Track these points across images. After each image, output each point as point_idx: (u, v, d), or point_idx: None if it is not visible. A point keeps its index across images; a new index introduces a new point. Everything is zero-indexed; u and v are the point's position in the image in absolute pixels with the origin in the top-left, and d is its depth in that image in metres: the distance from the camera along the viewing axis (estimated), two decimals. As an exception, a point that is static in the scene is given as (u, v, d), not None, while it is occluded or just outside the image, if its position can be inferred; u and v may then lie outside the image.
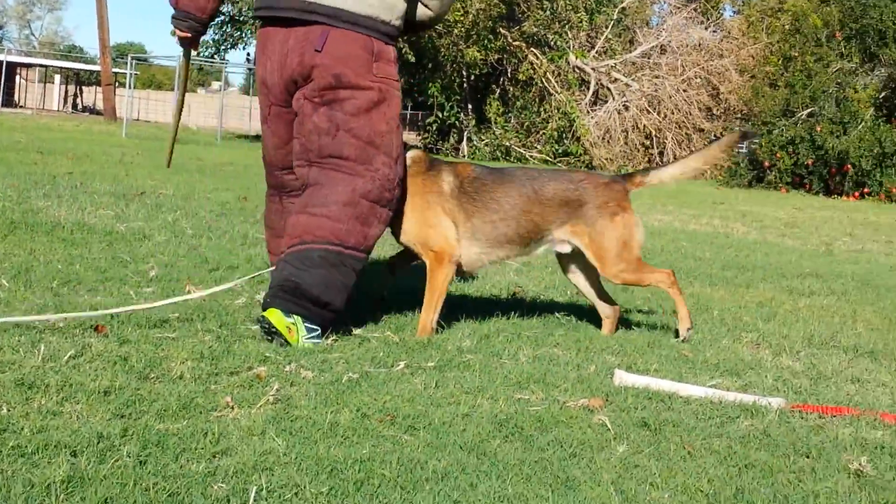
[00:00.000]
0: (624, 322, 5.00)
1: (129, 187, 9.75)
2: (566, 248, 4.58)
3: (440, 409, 3.22)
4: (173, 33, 4.54)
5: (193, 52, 4.81)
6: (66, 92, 58.29)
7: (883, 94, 23.60)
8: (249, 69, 39.07)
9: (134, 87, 34.64)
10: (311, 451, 2.74)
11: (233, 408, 3.04)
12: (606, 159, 28.29)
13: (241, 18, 30.24)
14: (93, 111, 51.73)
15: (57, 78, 58.87)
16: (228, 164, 16.12)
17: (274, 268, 4.25)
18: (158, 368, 3.39)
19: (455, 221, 4.38)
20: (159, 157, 16.00)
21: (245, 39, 31.80)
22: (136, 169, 12.64)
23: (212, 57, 31.78)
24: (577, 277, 4.79)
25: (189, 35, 4.53)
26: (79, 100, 57.78)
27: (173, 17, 4.47)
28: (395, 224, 4.40)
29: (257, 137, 31.13)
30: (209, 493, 2.41)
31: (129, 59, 29.35)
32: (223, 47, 31.94)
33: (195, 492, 2.41)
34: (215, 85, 66.69)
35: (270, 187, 4.66)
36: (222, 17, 31.17)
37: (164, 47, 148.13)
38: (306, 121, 4.20)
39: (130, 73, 29.55)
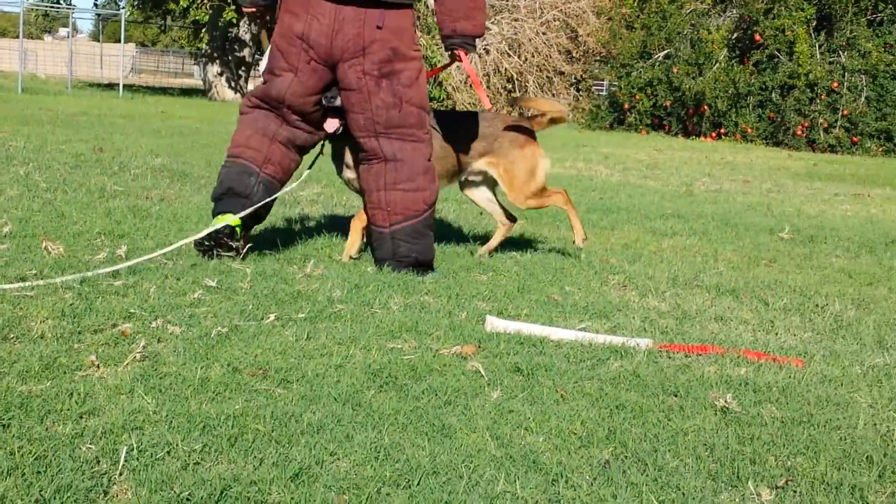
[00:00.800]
0: (493, 268, 5.01)
1: (-22, 140, 9.37)
2: (479, 178, 5.30)
3: (313, 360, 3.19)
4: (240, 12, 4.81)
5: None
6: None
7: (735, 35, 24.11)
8: (98, 15, 37.83)
9: (-22, 35, 33.28)
10: (182, 408, 2.68)
11: (98, 366, 2.94)
12: (469, 104, 28.36)
13: (90, -38, 29.22)
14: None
15: None
16: (81, 114, 15.63)
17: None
18: (18, 328, 3.26)
19: None
20: (6, 108, 15.43)
21: (92, -16, 30.80)
22: (-15, 120, 12.15)
23: (57, 2, 30.66)
24: (480, 195, 5.43)
25: (254, 10, 4.87)
26: (-82, 48, 55.21)
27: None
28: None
29: (109, 86, 30.29)
30: (78, 455, 2.33)
31: (-28, 4, 28.09)
32: (69, -8, 30.86)
33: (63, 454, 2.33)
34: (62, 31, 64.47)
35: (268, 110, 4.84)
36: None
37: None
38: (372, 98, 4.63)
39: (-27, 20, 28.32)
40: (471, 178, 5.33)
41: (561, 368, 3.31)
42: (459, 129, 5.15)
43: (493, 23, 29.95)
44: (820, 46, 22.59)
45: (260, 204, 4.74)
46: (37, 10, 32.48)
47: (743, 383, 3.29)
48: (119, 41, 32.01)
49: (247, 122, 4.84)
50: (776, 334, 4.09)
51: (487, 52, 29.27)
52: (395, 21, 4.62)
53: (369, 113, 4.66)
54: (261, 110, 4.83)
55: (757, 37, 23.08)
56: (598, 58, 30.97)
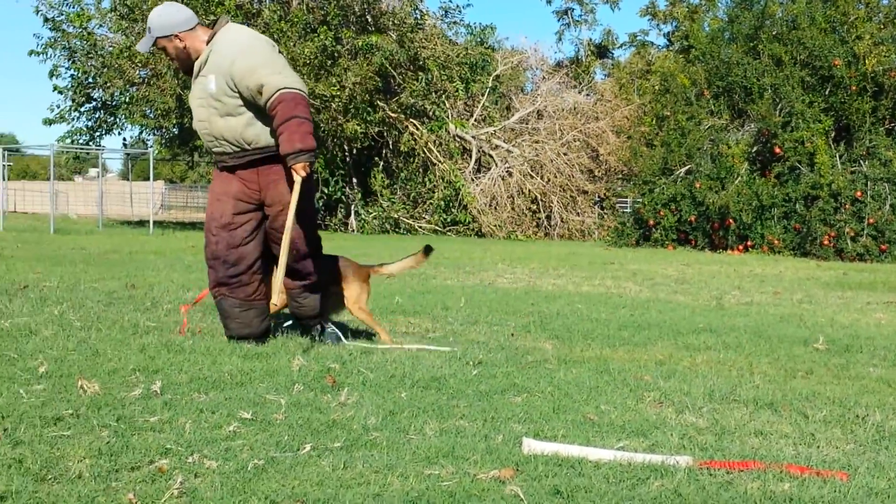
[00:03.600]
0: (527, 389, 4.99)
1: (11, 282, 9.49)
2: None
3: (350, 490, 3.16)
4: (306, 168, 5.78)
5: None
6: None
7: (755, 148, 24.31)
8: (127, 154, 38.56)
9: (7, 179, 33.94)
10: (222, 545, 2.66)
11: (136, 505, 2.93)
12: (495, 226, 28.56)
13: (114, 104, 29.86)
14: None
15: None
16: (113, 251, 15.82)
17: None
18: (56, 469, 3.26)
19: None
20: (39, 249, 15.65)
21: (119, 125, 31.41)
22: (17, 262, 12.32)
23: (87, 143, 31.28)
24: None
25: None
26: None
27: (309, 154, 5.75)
28: None
29: (140, 223, 30.72)
30: None
31: (1, 150, 28.75)
32: (98, 133, 31.47)
33: None
34: (92, 172, 65.71)
35: None
36: (94, 103, 30.76)
37: (37, 137, 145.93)
38: None
39: (3, 165, 28.94)
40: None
41: (601, 489, 3.26)
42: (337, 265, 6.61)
43: (514, 145, 30.34)
44: (840, 157, 22.74)
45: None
46: (67, 153, 33.14)
47: (787, 499, 3.23)
48: (148, 179, 32.56)
49: None
50: (818, 447, 4.04)
51: (510, 174, 29.60)
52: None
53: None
54: None
55: (777, 149, 23.27)
56: (620, 175, 31.29)
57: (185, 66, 6.06)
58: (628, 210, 28.31)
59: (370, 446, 3.73)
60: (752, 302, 10.38)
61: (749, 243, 22.98)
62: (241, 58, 5.78)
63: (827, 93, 23.53)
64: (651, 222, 24.74)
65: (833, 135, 23.22)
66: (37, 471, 3.22)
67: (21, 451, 3.45)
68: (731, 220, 23.08)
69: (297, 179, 5.71)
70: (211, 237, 6.07)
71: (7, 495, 2.96)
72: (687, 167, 24.74)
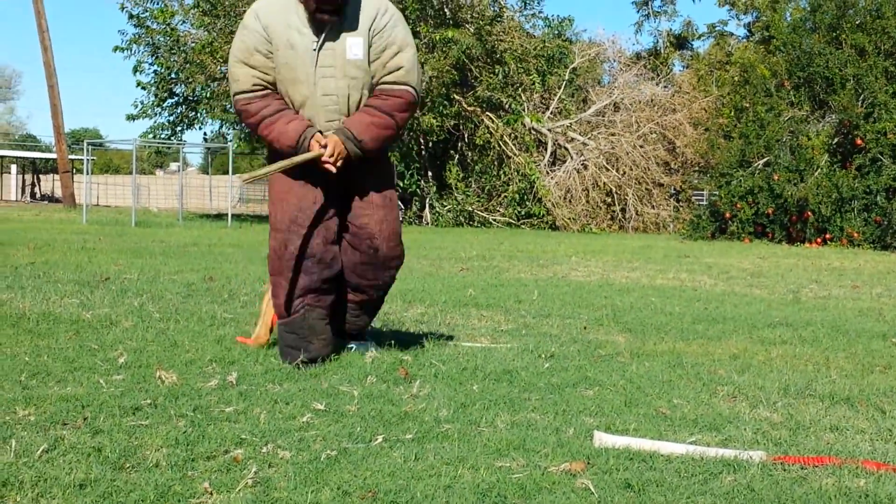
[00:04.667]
0: (599, 382, 4.98)
1: (93, 274, 9.68)
2: None
3: (421, 482, 3.19)
4: None
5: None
6: (24, 181, 58.13)
7: (836, 139, 23.90)
8: (207, 148, 39.08)
9: (91, 173, 34.57)
10: (294, 533, 2.70)
11: (212, 493, 2.99)
12: (569, 219, 28.45)
13: (195, 99, 30.30)
14: (51, 199, 51.57)
15: (13, 168, 58.72)
16: (192, 244, 16.06)
17: None
18: (133, 457, 3.34)
19: None
20: (121, 242, 15.94)
21: (200, 119, 31.84)
22: (99, 255, 12.57)
23: (168, 138, 31.78)
24: None
25: None
26: (37, 188, 57.63)
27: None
28: None
29: (219, 216, 31.10)
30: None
31: (85, 144, 29.33)
32: (179, 128, 31.95)
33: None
34: (173, 166, 66.76)
35: None
36: (176, 99, 31.22)
37: (120, 131, 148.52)
38: None
39: (87, 159, 29.52)
40: None
41: (672, 483, 3.25)
42: None
43: (590, 138, 30.19)
44: (924, 148, 22.26)
45: None
46: (149, 147, 33.69)
47: (863, 495, 3.19)
48: (227, 173, 32.98)
49: None
50: (895, 443, 3.97)
51: (586, 167, 29.46)
52: None
53: None
54: None
55: (858, 141, 22.85)
56: (696, 168, 30.94)
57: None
58: (704, 203, 28.00)
59: (441, 438, 3.75)
60: (829, 296, 10.23)
61: (828, 236, 22.62)
62: (391, 24, 5.18)
63: (911, 83, 23.05)
64: (727, 215, 24.46)
65: (917, 125, 22.74)
66: (115, 459, 3.30)
67: (100, 439, 3.53)
68: (809, 213, 22.74)
69: (326, 155, 5.05)
70: (296, 232, 5.21)
71: (87, 483, 3.04)
72: (765, 159, 24.40)
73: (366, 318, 5.64)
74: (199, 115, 31.41)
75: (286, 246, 5.19)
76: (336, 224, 5.29)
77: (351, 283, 5.40)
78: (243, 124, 5.59)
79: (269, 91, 5.16)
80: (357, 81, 5.14)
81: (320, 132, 5.13)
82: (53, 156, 45.21)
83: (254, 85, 5.14)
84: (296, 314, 5.20)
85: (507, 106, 29.85)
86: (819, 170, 23.16)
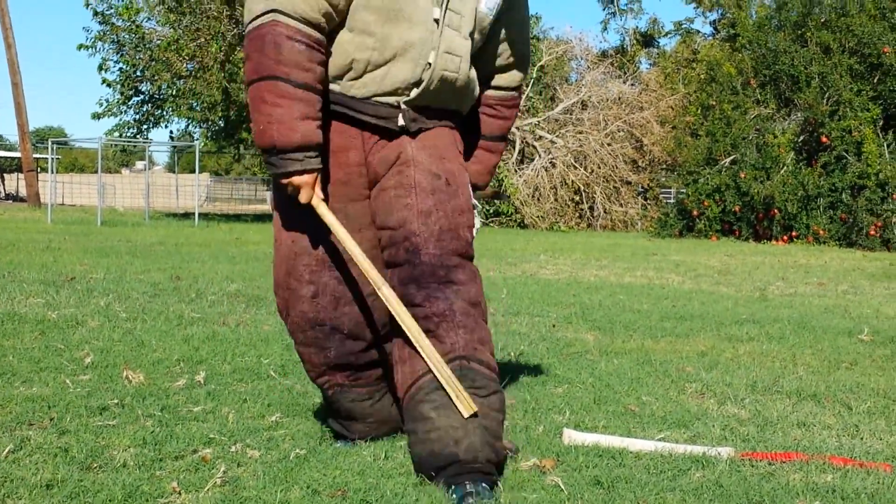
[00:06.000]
0: (568, 380, 4.99)
1: (59, 273, 9.60)
2: None
3: (391, 480, 3.18)
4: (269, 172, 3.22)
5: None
6: (-12, 179, 57.62)
7: (801, 137, 24.06)
8: (174, 147, 38.85)
9: (56, 172, 34.29)
10: (264, 533, 2.68)
11: (180, 493, 2.97)
12: (538, 217, 28.51)
13: (161, 97, 30.10)
14: (16, 198, 51.13)
15: (-23, 166, 58.20)
16: (159, 243, 15.97)
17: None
18: (101, 458, 3.31)
19: None
20: (86, 241, 15.82)
21: (166, 118, 31.63)
22: (65, 254, 12.47)
23: (134, 136, 31.55)
24: None
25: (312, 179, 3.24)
26: (0, 187, 57.12)
27: (286, 159, 3.17)
28: None
29: (185, 215, 30.93)
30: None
31: (50, 143, 29.07)
32: (145, 126, 31.73)
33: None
34: (139, 164, 66.41)
35: None
36: (142, 97, 31.01)
37: (85, 130, 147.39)
38: None
39: (52, 158, 29.28)
40: None
41: (642, 480, 3.26)
42: None
43: (557, 136, 30.25)
44: (888, 145, 22.45)
45: None
46: (115, 146, 33.48)
47: (830, 490, 3.21)
48: (194, 171, 32.83)
49: None
50: (861, 439, 4.00)
51: (554, 165, 29.53)
52: None
53: None
54: None
55: (824, 139, 23.02)
56: (664, 166, 31.09)
57: None
58: (672, 201, 28.13)
59: (411, 436, 3.75)
60: (796, 293, 10.30)
61: (794, 234, 22.78)
62: None
63: (875, 81, 23.23)
64: (695, 213, 24.59)
65: (881, 123, 22.93)
66: (82, 459, 3.27)
67: (67, 439, 3.50)
68: (775, 211, 22.89)
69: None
70: (303, 279, 3.42)
71: (53, 483, 3.01)
72: (732, 157, 24.54)
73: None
74: (164, 113, 31.16)
75: (286, 306, 3.49)
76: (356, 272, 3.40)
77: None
78: (247, 62, 3.17)
79: (324, 44, 3.19)
80: (472, 50, 3.46)
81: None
82: (17, 154, 44.84)
83: (322, 13, 3.16)
84: (326, 390, 3.61)
85: (475, 104, 29.81)
86: (785, 167, 23.32)
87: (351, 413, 3.63)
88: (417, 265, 3.25)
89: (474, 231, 3.45)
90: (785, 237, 22.88)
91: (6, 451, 3.30)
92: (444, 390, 3.12)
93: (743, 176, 23.57)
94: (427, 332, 3.20)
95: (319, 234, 3.33)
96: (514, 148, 30.20)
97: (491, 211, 29.07)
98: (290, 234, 3.40)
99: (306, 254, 3.37)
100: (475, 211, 3.49)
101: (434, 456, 3.11)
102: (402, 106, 3.33)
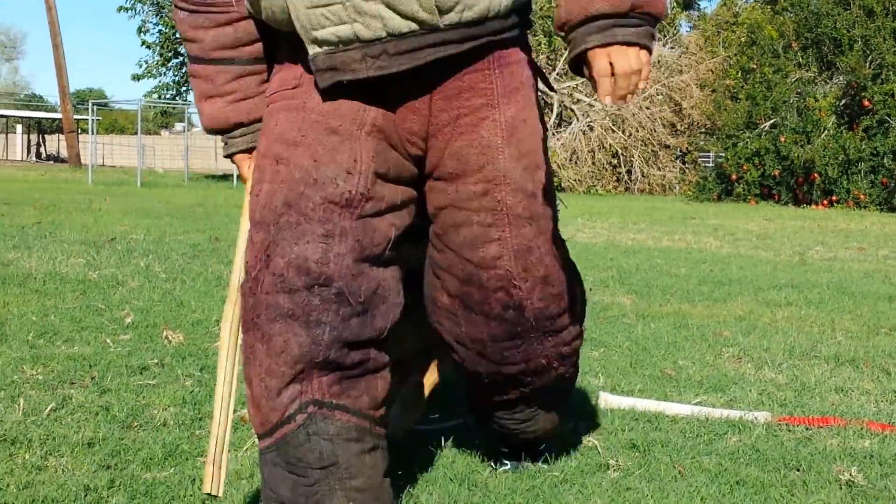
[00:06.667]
0: (605, 343, 4.99)
1: (99, 234, 9.69)
2: None
3: (427, 441, 3.20)
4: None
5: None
6: (29, 141, 58.09)
7: (843, 101, 23.77)
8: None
9: (96, 133, 34.51)
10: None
11: (219, 453, 3.00)
12: (575, 180, 28.39)
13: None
14: (57, 159, 51.56)
15: (18, 128, 58.67)
16: (198, 205, 16.06)
17: None
18: (141, 416, 3.36)
19: None
20: (126, 202, 15.93)
21: (206, 79, 31.70)
22: (105, 215, 12.58)
23: (173, 98, 31.68)
24: None
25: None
26: (42, 148, 57.61)
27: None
28: None
29: (224, 177, 31.07)
30: (201, 542, 2.38)
31: (90, 104, 29.23)
32: (184, 88, 31.85)
33: (187, 541, 2.38)
34: (178, 126, 66.70)
35: None
36: (181, 59, 31.09)
37: (125, 91, 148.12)
38: None
39: (92, 119, 29.45)
40: None
41: (678, 444, 3.27)
42: None
43: (595, 99, 30.05)
44: (932, 109, 22.14)
45: None
46: (154, 107, 33.64)
47: (868, 456, 3.20)
48: (231, 133, 32.85)
49: None
50: (900, 404, 3.99)
51: (591, 128, 29.35)
52: None
53: None
54: None
55: (866, 102, 22.73)
56: (703, 129, 30.81)
57: None
58: (710, 164, 27.91)
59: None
60: (835, 258, 10.22)
61: (834, 198, 22.55)
62: None
63: (919, 44, 22.90)
64: (734, 177, 24.39)
65: (925, 87, 22.61)
66: (123, 418, 3.32)
67: (108, 398, 3.55)
68: (816, 175, 22.67)
69: (603, 89, 2.16)
70: (312, 215, 2.32)
71: (95, 441, 3.06)
72: (772, 121, 24.30)
73: (537, 421, 2.95)
74: (204, 74, 31.24)
75: (265, 251, 2.38)
76: (390, 225, 2.42)
77: (473, 367, 2.69)
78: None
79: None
80: None
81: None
82: (59, 116, 45.14)
83: None
84: (287, 427, 2.32)
85: (512, 67, 29.66)
86: (826, 131, 23.06)
87: (324, 459, 2.28)
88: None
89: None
90: (825, 201, 22.66)
91: (48, 409, 3.35)
92: None
93: (783, 140, 23.33)
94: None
95: (304, 158, 2.33)
96: (551, 111, 30.05)
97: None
98: (303, 155, 2.34)
99: (319, 186, 2.31)
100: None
101: None
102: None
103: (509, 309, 2.50)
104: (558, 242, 2.62)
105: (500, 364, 2.61)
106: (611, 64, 2.12)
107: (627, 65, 2.12)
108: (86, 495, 2.60)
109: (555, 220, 2.58)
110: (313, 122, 2.34)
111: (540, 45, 29.80)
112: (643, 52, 2.16)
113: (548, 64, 31.08)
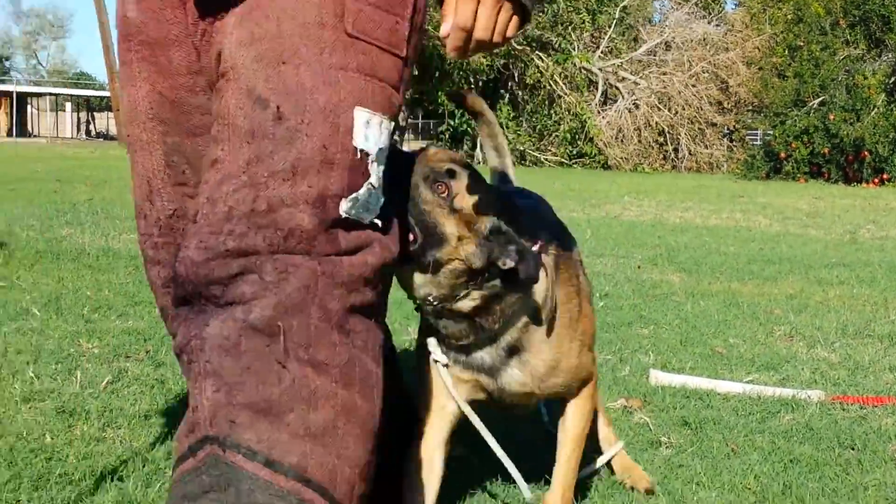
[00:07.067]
0: (655, 321, 4.98)
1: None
2: None
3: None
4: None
5: None
6: (79, 119, 58.67)
7: (893, 79, 23.48)
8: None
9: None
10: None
11: (273, 426, 3.03)
12: (621, 158, 28.25)
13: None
14: (106, 136, 52.02)
15: (68, 105, 59.21)
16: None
17: None
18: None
19: None
20: (175, 179, 16.04)
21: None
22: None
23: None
24: None
25: None
26: (91, 126, 58.14)
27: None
28: None
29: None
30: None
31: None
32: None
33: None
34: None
35: None
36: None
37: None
38: None
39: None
40: None
41: (730, 422, 3.25)
42: None
43: (641, 77, 29.86)
44: (985, 86, 21.82)
45: None
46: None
47: (923, 435, 3.18)
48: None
49: None
50: (955, 384, 3.95)
51: (637, 106, 29.18)
52: None
53: None
54: None
55: (917, 79, 22.44)
56: (750, 107, 30.55)
57: None
58: (758, 142, 27.67)
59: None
60: (887, 236, 10.10)
61: (885, 176, 22.29)
62: None
63: (972, 20, 22.55)
64: (782, 155, 24.16)
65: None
66: (178, 392, 3.35)
67: (163, 371, 3.59)
68: (866, 153, 22.41)
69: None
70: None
71: (151, 413, 3.09)
72: (820, 98, 24.04)
73: None
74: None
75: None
76: None
77: None
78: None
79: None
80: None
81: None
82: (107, 94, 45.53)
83: None
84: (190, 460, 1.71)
85: (556, 45, 29.56)
86: (876, 109, 22.78)
87: None
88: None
89: (367, 195, 1.73)
90: (876, 180, 22.39)
91: (105, 381, 3.39)
92: None
93: (832, 117, 23.08)
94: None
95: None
96: (596, 89, 29.89)
97: (574, 152, 28.86)
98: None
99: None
100: (369, 159, 1.74)
101: None
102: None
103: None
104: (288, 176, 1.70)
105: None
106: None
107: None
108: (144, 466, 2.63)
109: (311, 145, 1.70)
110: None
111: (584, 22, 29.60)
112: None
113: (592, 42, 30.92)
